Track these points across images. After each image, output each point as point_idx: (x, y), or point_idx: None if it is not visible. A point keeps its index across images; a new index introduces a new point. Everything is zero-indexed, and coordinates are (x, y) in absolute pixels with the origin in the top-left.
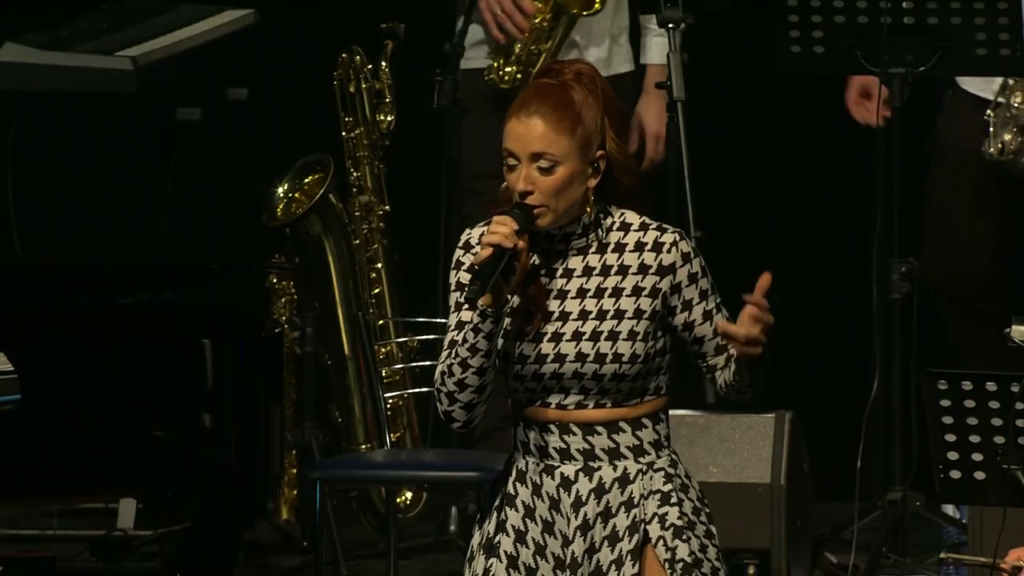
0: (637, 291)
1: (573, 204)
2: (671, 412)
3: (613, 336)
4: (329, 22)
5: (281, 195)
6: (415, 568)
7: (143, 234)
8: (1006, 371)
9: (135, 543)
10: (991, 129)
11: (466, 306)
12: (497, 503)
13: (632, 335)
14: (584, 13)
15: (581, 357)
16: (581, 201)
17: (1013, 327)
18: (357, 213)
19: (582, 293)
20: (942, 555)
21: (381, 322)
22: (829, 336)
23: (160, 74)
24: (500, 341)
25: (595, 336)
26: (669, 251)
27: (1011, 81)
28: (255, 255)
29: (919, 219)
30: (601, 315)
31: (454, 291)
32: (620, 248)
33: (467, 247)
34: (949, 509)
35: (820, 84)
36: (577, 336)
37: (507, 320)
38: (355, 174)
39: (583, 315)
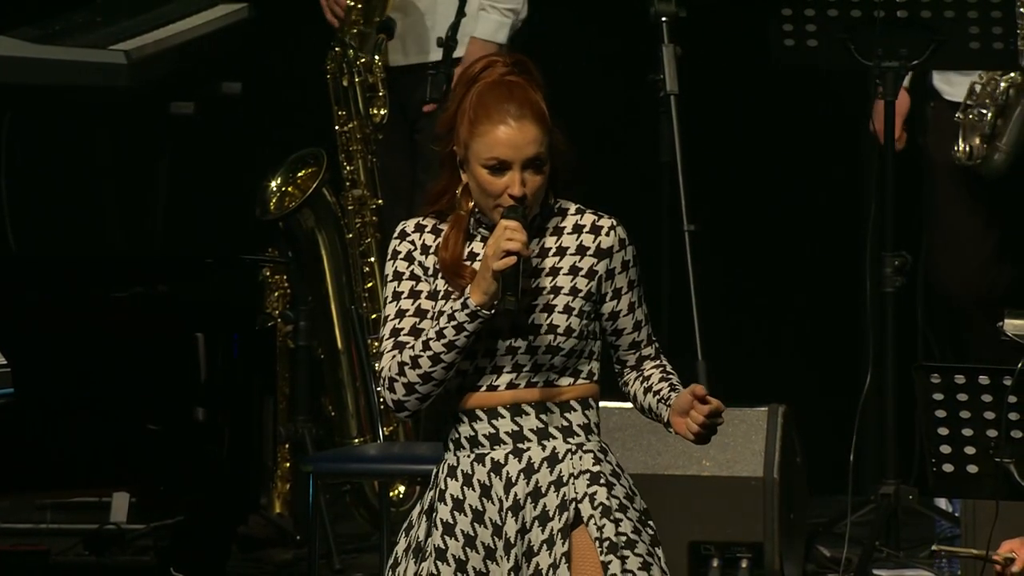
0: (574, 271)
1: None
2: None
3: (548, 309)
4: (322, 15)
5: (274, 189)
6: None
7: (136, 227)
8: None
9: (128, 537)
10: (961, 132)
11: (416, 290)
12: (427, 507)
13: (567, 309)
14: None
15: (516, 330)
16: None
17: (1006, 320)
18: (350, 207)
19: None
20: (934, 547)
21: (374, 316)
22: (822, 330)
23: (154, 68)
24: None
25: (530, 309)
26: (608, 234)
27: (977, 88)
28: (248, 249)
29: (913, 217)
30: (536, 292)
31: (391, 281)
32: (558, 232)
33: (403, 236)
34: (942, 503)
35: (813, 77)
36: (510, 311)
37: (441, 302)
38: (348, 168)
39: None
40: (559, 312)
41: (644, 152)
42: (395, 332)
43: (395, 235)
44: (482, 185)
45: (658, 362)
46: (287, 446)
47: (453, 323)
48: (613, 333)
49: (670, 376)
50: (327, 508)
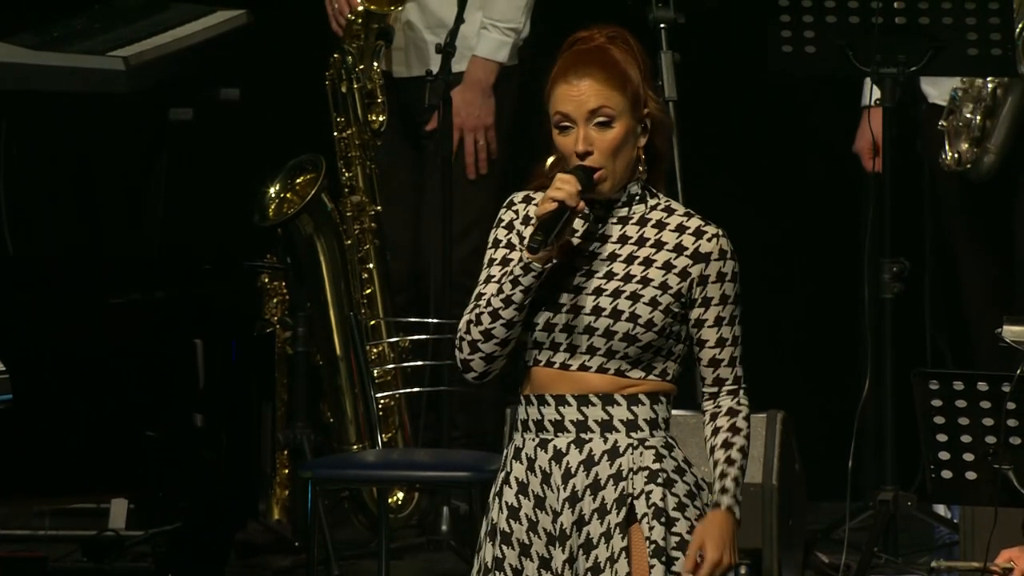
0: (668, 267)
1: (628, 166)
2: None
3: (634, 297)
4: (321, 22)
5: (273, 195)
6: (406, 568)
7: (134, 233)
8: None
9: (126, 543)
10: (946, 139)
11: (507, 257)
12: (498, 488)
13: (654, 303)
14: (390, 8)
15: (597, 311)
16: (634, 164)
17: (1004, 327)
18: (349, 213)
19: (613, 257)
20: (933, 564)
21: (373, 322)
22: (820, 336)
23: (152, 74)
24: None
25: (616, 294)
26: (710, 241)
27: (959, 92)
28: (247, 255)
29: (912, 222)
30: (627, 278)
31: (490, 248)
32: (661, 225)
33: (509, 205)
34: (940, 509)
35: (811, 83)
36: (598, 292)
37: None
38: (347, 174)
39: (609, 275)
40: (644, 303)
41: None
42: (478, 296)
43: (504, 203)
44: (557, 147)
45: (731, 404)
46: (285, 452)
47: (510, 277)
48: (697, 343)
49: (730, 445)
50: (325, 514)
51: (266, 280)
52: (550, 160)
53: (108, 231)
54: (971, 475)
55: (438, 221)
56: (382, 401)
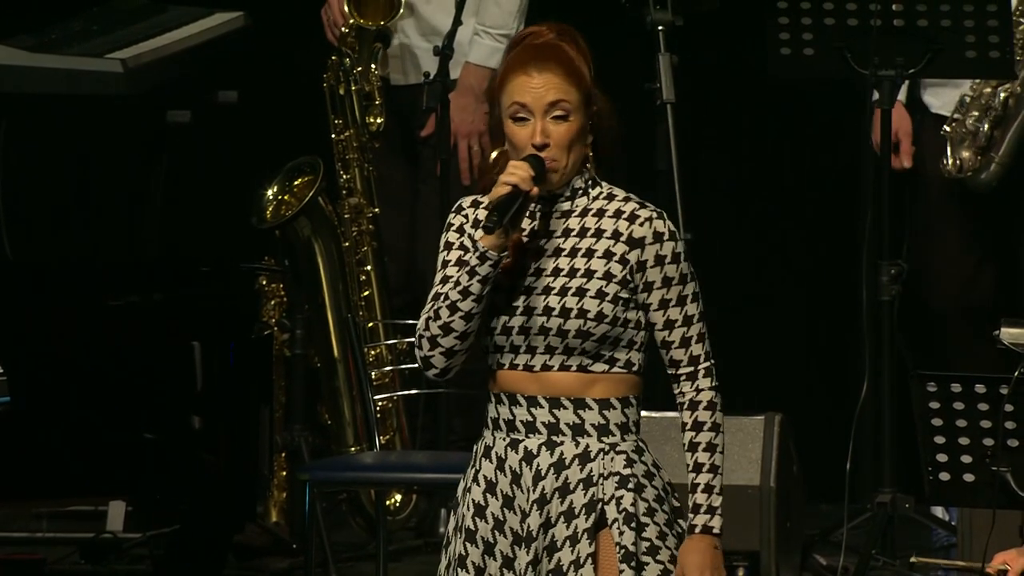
0: (608, 255)
1: (578, 161)
2: (661, 414)
3: (580, 292)
4: (319, 24)
5: (271, 197)
6: (404, 570)
7: (133, 236)
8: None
9: (124, 545)
10: (948, 146)
11: (462, 259)
12: (467, 484)
13: (600, 294)
14: (380, 24)
15: (547, 311)
16: (583, 160)
17: (1002, 329)
18: (347, 215)
19: (558, 252)
20: (912, 559)
21: (371, 324)
22: (818, 338)
23: (150, 76)
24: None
25: (563, 291)
26: (642, 224)
27: (967, 98)
28: (245, 257)
29: (907, 225)
30: (572, 272)
31: (442, 251)
32: (600, 213)
33: (459, 210)
34: (938, 511)
35: (810, 85)
36: (547, 291)
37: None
38: (345, 176)
39: (555, 272)
40: (591, 297)
41: (641, 160)
42: (435, 296)
43: (453, 208)
44: (510, 138)
45: (691, 393)
46: (283, 455)
47: (467, 268)
48: (649, 328)
49: (695, 447)
50: (323, 517)
51: (264, 282)
52: (494, 154)
53: (106, 233)
54: (969, 477)
55: (436, 224)
56: (380, 403)
